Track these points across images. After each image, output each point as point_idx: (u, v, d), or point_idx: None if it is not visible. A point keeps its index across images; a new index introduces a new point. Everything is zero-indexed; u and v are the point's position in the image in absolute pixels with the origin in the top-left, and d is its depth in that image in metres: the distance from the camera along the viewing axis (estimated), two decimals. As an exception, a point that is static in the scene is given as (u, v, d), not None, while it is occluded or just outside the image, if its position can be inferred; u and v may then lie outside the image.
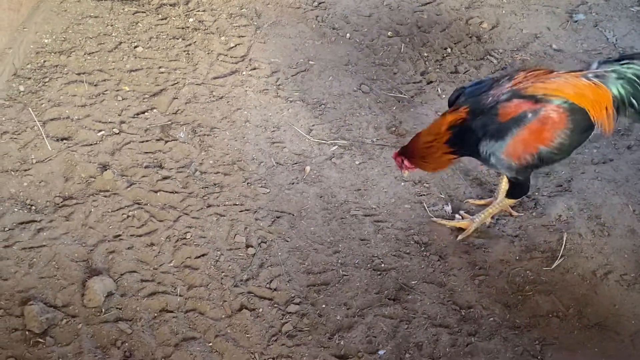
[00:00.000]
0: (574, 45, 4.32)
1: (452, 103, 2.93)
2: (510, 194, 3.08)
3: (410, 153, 2.98)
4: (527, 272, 3.01)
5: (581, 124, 2.80)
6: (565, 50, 4.28)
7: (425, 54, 4.14)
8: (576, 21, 4.51)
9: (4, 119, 3.43)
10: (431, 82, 3.97)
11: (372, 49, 4.16)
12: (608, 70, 2.84)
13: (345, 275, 2.99)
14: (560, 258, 3.05)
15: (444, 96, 3.87)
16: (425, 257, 3.07)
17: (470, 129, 2.78)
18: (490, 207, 3.15)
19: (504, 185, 3.12)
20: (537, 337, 2.77)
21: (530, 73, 2.84)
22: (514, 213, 3.26)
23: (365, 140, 3.64)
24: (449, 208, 3.31)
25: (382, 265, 3.03)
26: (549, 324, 2.82)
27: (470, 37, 4.27)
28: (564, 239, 3.11)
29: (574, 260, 3.04)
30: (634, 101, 2.84)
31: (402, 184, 3.42)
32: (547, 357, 2.70)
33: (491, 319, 2.83)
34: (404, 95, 3.90)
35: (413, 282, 2.96)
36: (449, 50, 4.17)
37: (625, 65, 2.85)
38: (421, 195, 3.38)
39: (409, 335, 2.76)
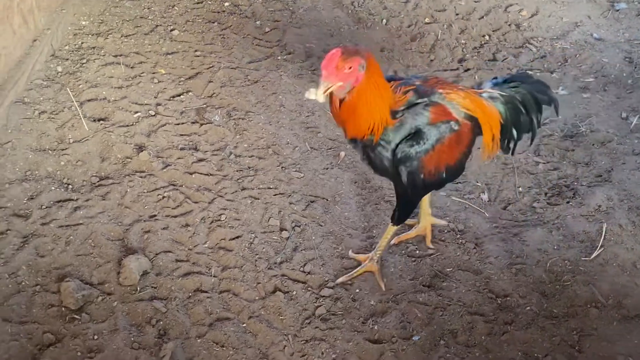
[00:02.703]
0: (615, 35, 4.23)
1: None
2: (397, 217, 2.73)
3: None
4: (565, 261, 2.95)
5: (472, 145, 2.55)
6: (606, 39, 4.19)
7: (463, 41, 4.08)
8: (618, 10, 4.41)
9: (42, 98, 3.46)
10: (469, 69, 3.92)
11: (409, 35, 4.12)
12: (501, 93, 2.59)
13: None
14: (599, 248, 2.98)
15: (481, 84, 3.82)
16: (460, 245, 3.03)
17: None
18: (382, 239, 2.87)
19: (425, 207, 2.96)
20: (574, 327, 2.71)
21: (436, 80, 2.55)
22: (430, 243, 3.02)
23: (401, 126, 3.60)
24: (485, 196, 3.26)
25: (417, 251, 3.00)
26: (588, 314, 2.75)
27: (509, 24, 4.20)
28: (604, 229, 3.04)
29: (614, 250, 2.98)
30: (514, 131, 2.64)
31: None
32: (585, 347, 2.64)
33: (528, 308, 2.78)
34: (441, 82, 3.85)
35: (448, 270, 2.92)
36: (487, 37, 4.12)
37: (513, 89, 2.63)
38: (457, 182, 3.33)
39: (444, 322, 2.72)
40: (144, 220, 2.98)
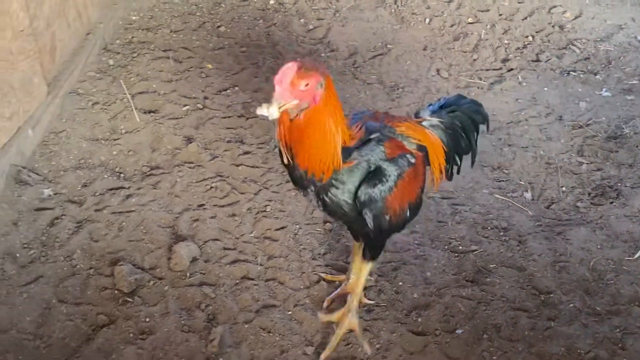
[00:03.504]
0: (660, 38, 4.22)
1: None
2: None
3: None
4: (609, 261, 2.96)
5: (425, 177, 2.40)
6: (651, 42, 4.18)
7: (506, 41, 4.10)
8: (663, 13, 4.40)
9: (94, 90, 3.57)
10: (512, 69, 3.94)
11: (451, 34, 4.15)
12: (440, 120, 2.47)
13: (422, 255, 2.99)
14: (643, 249, 2.99)
15: (524, 84, 3.84)
16: (504, 242, 3.05)
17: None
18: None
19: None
20: (617, 325, 2.72)
21: (381, 114, 2.40)
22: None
23: (444, 124, 3.63)
24: (528, 195, 3.28)
25: (460, 247, 3.03)
26: (631, 312, 2.76)
27: (553, 26, 4.22)
28: (648, 230, 3.05)
29: (658, 251, 2.98)
30: (456, 157, 2.54)
31: (482, 169, 3.40)
32: (628, 345, 2.65)
33: (571, 305, 2.79)
34: (484, 81, 3.87)
35: (492, 266, 2.95)
36: (530, 38, 4.13)
37: (450, 114, 2.51)
38: (500, 181, 3.36)
39: (487, 317, 2.75)
40: (193, 209, 3.06)
